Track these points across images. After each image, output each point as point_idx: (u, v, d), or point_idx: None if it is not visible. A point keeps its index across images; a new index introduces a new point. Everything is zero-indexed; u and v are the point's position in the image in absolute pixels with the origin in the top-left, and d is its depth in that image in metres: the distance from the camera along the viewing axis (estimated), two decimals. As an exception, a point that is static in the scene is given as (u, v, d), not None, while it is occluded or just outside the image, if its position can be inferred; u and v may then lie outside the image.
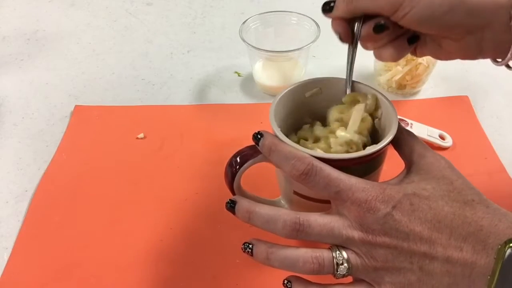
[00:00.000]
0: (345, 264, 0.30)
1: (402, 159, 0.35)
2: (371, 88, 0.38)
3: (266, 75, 0.62)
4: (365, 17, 0.34)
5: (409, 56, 0.59)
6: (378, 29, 0.34)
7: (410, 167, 0.33)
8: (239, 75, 0.66)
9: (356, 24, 0.35)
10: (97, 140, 0.55)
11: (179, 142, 0.55)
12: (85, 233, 0.45)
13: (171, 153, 0.53)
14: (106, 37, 0.75)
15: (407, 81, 0.61)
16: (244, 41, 0.58)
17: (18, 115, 0.60)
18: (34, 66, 0.68)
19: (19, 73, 0.67)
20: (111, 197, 0.48)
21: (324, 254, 0.30)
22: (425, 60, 0.59)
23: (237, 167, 0.35)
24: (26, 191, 0.49)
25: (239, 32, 0.59)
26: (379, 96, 0.37)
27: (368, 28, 0.34)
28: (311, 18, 0.60)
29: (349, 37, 0.36)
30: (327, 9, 0.36)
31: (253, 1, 0.84)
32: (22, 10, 0.82)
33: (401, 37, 0.36)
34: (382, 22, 0.34)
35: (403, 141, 0.35)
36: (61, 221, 0.46)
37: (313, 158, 0.31)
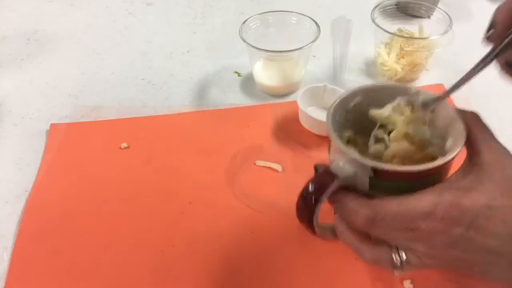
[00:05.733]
0: (404, 266, 0.30)
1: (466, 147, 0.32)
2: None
3: (266, 75, 0.62)
4: None
5: (408, 55, 0.60)
6: None
7: (472, 158, 0.31)
8: (239, 75, 0.66)
9: None
10: (79, 158, 0.53)
11: (165, 153, 0.53)
12: (83, 244, 0.44)
13: (159, 166, 0.52)
14: (106, 37, 0.75)
15: (407, 81, 0.61)
16: (244, 41, 0.58)
17: (18, 115, 0.60)
18: (34, 66, 0.68)
19: (19, 73, 0.67)
20: (106, 216, 0.46)
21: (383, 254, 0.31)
22: (425, 59, 0.59)
23: (315, 199, 0.32)
24: (26, 191, 0.49)
25: (239, 32, 0.59)
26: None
27: None
28: (311, 18, 0.60)
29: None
30: None
31: (253, 1, 0.84)
32: (22, 10, 0.82)
33: None
34: None
35: (467, 127, 0.32)
36: (53, 248, 0.45)
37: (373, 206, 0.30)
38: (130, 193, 0.49)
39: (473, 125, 0.32)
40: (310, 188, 0.32)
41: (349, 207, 0.31)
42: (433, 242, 0.29)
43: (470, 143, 0.32)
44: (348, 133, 0.37)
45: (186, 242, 0.44)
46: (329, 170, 0.32)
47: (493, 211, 0.28)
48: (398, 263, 0.30)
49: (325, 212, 0.32)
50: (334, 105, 0.35)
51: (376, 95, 0.37)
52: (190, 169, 0.51)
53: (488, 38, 0.32)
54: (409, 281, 0.39)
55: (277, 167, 0.51)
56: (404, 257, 0.30)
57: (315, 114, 0.54)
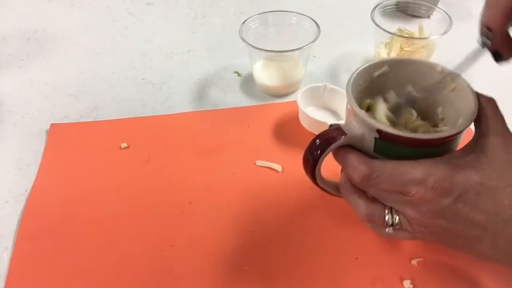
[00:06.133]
0: (395, 226, 0.33)
1: (474, 126, 0.34)
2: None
3: (266, 75, 0.62)
4: None
5: (409, 55, 0.59)
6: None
7: (478, 139, 0.32)
8: (239, 75, 0.66)
9: None
10: (79, 158, 0.53)
11: (165, 154, 0.53)
12: (82, 245, 0.44)
13: (159, 166, 0.51)
14: (106, 37, 0.75)
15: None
16: (244, 41, 0.58)
17: (18, 115, 0.60)
18: (34, 66, 0.69)
19: (19, 73, 0.67)
20: (106, 216, 0.46)
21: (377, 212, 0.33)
22: (424, 56, 0.59)
23: (320, 151, 0.34)
24: (26, 191, 0.49)
25: (239, 32, 0.59)
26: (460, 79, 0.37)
27: None
28: (311, 18, 0.60)
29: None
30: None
31: (253, 1, 0.84)
32: (22, 10, 0.82)
33: None
34: None
35: (481, 110, 0.34)
36: (53, 247, 0.45)
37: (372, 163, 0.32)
38: (130, 193, 0.49)
39: (487, 109, 0.33)
40: (319, 140, 0.34)
41: (349, 162, 0.33)
42: (422, 209, 0.30)
43: (480, 125, 0.33)
44: (369, 100, 0.39)
45: (186, 242, 0.44)
46: (339, 127, 0.34)
47: (485, 188, 0.29)
48: (390, 222, 0.32)
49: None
50: (359, 70, 0.37)
51: (403, 69, 0.38)
52: (190, 169, 0.51)
53: (485, 44, 0.34)
54: (409, 281, 0.40)
55: (277, 167, 0.51)
56: (397, 219, 0.32)
57: (315, 114, 0.54)
